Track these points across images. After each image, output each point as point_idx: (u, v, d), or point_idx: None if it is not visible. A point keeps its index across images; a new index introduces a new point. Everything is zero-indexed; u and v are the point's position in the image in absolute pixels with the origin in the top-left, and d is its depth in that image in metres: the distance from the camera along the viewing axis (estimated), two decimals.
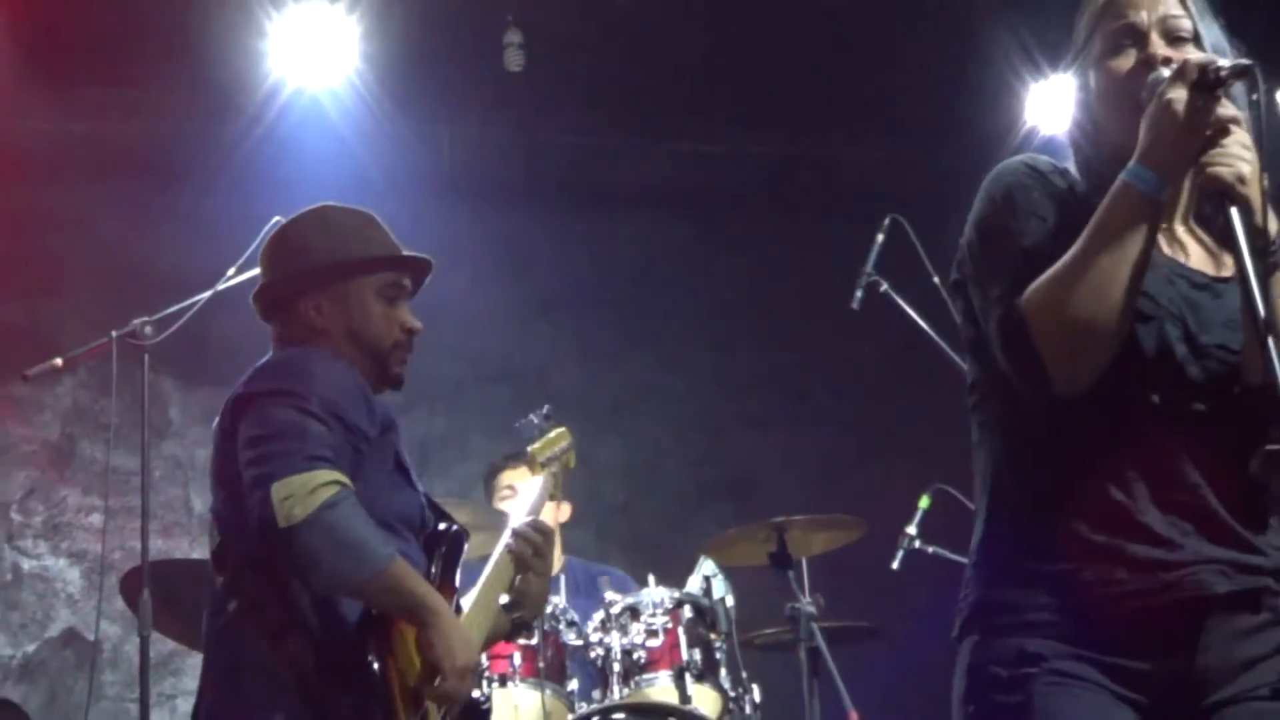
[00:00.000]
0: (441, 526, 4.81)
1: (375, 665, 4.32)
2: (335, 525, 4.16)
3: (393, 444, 4.59)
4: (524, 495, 5.42)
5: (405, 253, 4.88)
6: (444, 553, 4.74)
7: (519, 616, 4.90)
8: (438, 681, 4.34)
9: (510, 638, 5.04)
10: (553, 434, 5.85)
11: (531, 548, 4.93)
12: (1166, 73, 3.31)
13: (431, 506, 4.78)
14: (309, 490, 4.13)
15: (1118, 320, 3.24)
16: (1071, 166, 3.56)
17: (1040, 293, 3.27)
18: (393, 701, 4.31)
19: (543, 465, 5.49)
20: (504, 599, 4.81)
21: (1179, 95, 3.21)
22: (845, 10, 8.86)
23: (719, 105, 9.41)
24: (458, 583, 4.75)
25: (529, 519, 5.05)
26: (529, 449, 5.67)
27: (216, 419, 4.54)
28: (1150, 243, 3.25)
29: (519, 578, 4.91)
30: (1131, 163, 3.25)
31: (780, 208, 9.77)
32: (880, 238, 7.28)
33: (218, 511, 4.49)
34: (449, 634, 4.35)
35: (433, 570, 4.64)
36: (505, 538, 4.98)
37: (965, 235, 3.55)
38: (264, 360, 4.62)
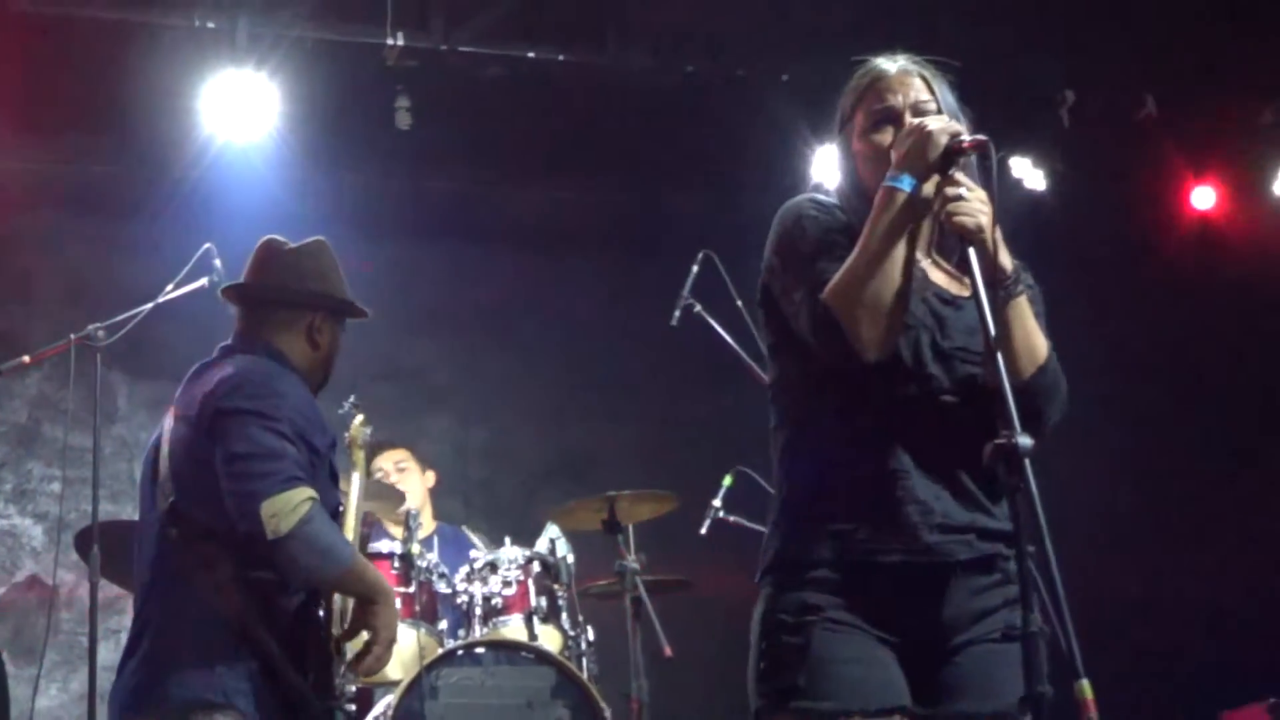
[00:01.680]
0: None
1: (320, 615, 4.58)
2: (312, 535, 4.30)
3: (330, 457, 4.65)
4: (350, 498, 5.42)
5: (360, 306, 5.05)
6: None
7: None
8: (373, 648, 4.50)
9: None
10: (359, 419, 6.00)
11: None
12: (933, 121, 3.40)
13: None
14: (291, 508, 4.26)
15: (900, 292, 3.31)
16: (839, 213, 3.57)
17: (838, 284, 3.32)
18: (329, 648, 4.55)
19: (360, 446, 5.51)
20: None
21: (930, 124, 3.33)
22: (671, 86, 8.93)
23: (571, 160, 9.42)
24: None
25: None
26: (347, 433, 5.71)
27: (175, 409, 4.62)
28: (912, 232, 3.35)
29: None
30: (889, 174, 3.35)
31: (618, 244, 9.83)
32: (695, 269, 7.35)
33: (180, 478, 4.51)
34: (392, 613, 4.52)
35: None
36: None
37: (766, 259, 3.60)
38: (235, 371, 4.60)
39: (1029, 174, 9.94)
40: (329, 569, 4.37)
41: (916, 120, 3.44)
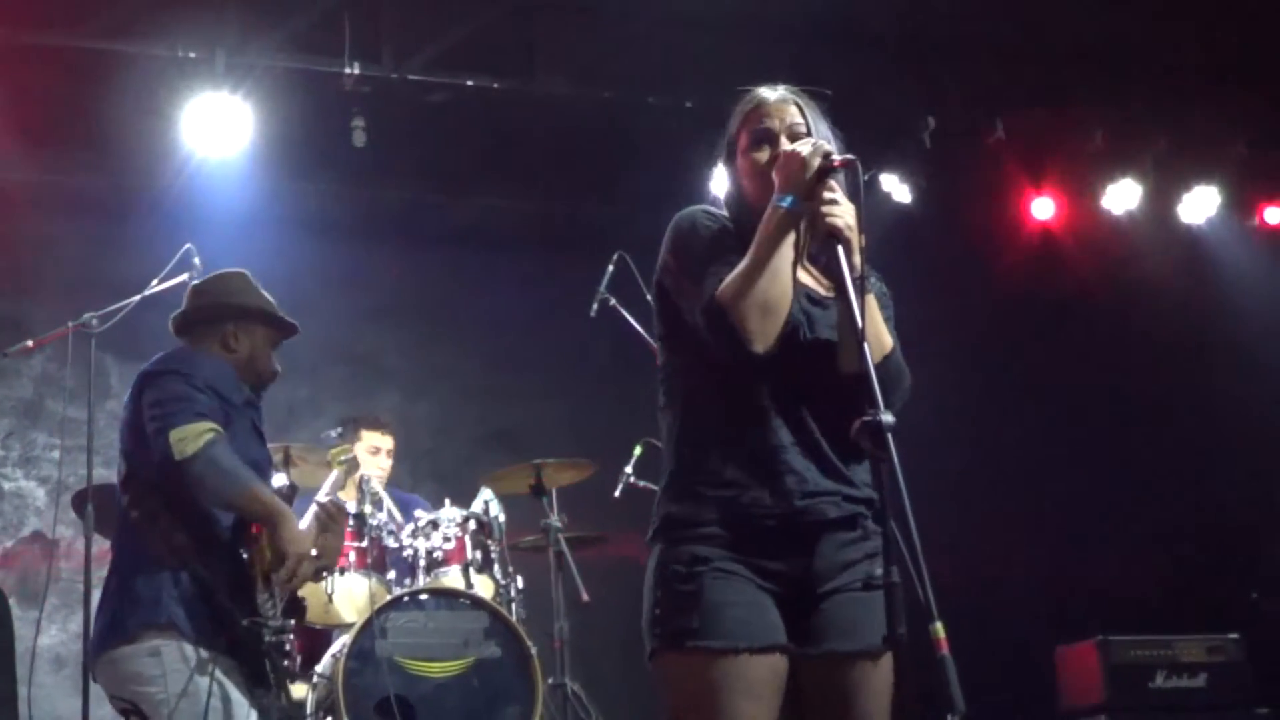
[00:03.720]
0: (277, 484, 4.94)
1: (244, 554, 4.60)
2: (215, 458, 4.41)
3: (251, 415, 4.78)
4: (325, 482, 5.41)
5: (287, 318, 5.08)
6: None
7: (320, 565, 4.78)
8: (285, 563, 4.53)
9: (315, 579, 4.92)
10: (341, 446, 5.89)
11: (327, 514, 4.90)
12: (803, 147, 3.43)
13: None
14: (195, 435, 4.41)
15: (784, 293, 3.34)
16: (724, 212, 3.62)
17: (731, 285, 3.33)
18: (254, 579, 4.57)
19: (340, 464, 5.51)
20: (313, 552, 4.70)
21: (801, 150, 3.37)
22: (591, 111, 8.99)
23: (504, 173, 9.43)
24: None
25: (330, 497, 5.02)
26: (329, 452, 5.75)
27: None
28: (795, 242, 3.38)
29: (320, 535, 4.82)
30: (775, 195, 3.38)
31: (544, 246, 9.86)
32: (610, 268, 7.35)
33: (127, 452, 4.70)
34: (293, 531, 4.56)
35: None
36: (313, 506, 4.96)
37: (661, 259, 3.60)
38: (161, 354, 4.81)
39: (896, 189, 9.99)
40: (229, 489, 4.47)
41: (792, 146, 3.46)
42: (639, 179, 8.64)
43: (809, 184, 3.37)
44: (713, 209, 3.63)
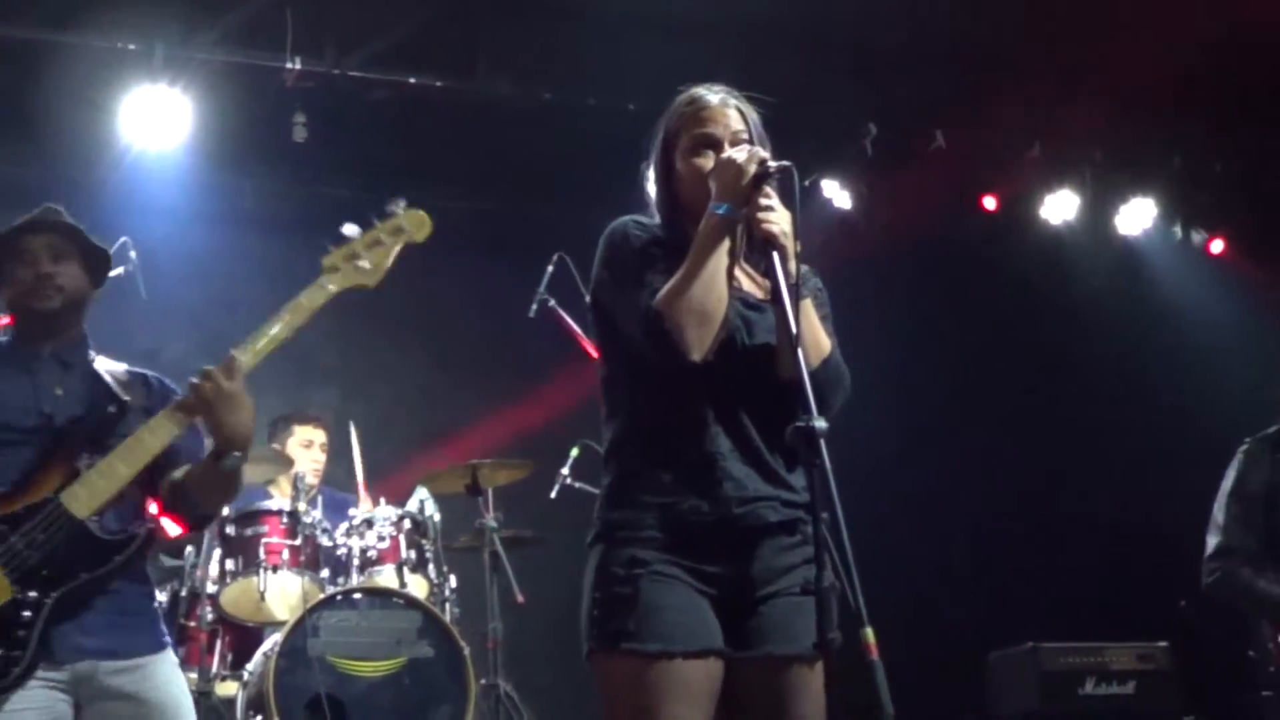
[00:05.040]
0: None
1: None
2: None
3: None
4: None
5: (20, 221, 4.48)
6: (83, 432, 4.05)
7: (232, 457, 3.91)
8: None
9: (225, 470, 3.95)
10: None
11: (214, 381, 3.92)
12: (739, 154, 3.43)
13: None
14: None
15: (721, 300, 3.36)
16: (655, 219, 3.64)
17: (669, 294, 3.34)
18: None
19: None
20: (209, 445, 3.96)
21: (737, 157, 3.38)
22: (533, 111, 9.02)
23: (445, 171, 9.39)
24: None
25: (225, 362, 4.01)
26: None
27: None
28: (732, 250, 3.40)
29: (211, 421, 3.93)
30: (711, 202, 3.39)
31: (484, 246, 9.80)
32: (550, 269, 7.37)
33: None
34: None
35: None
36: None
37: (595, 273, 3.61)
38: None
39: (838, 195, 10.05)
40: None
41: (729, 154, 3.47)
42: (580, 180, 8.65)
43: (745, 191, 3.39)
44: (643, 219, 3.63)
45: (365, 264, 4.37)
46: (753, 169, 3.39)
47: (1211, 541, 5.72)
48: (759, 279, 3.59)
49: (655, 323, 3.36)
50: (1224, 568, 5.65)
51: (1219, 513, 5.73)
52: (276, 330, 4.14)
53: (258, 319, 4.88)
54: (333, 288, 4.28)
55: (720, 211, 3.40)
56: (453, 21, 8.59)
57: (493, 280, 9.45)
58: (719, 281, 3.38)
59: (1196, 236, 10.98)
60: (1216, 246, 10.97)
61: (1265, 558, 5.65)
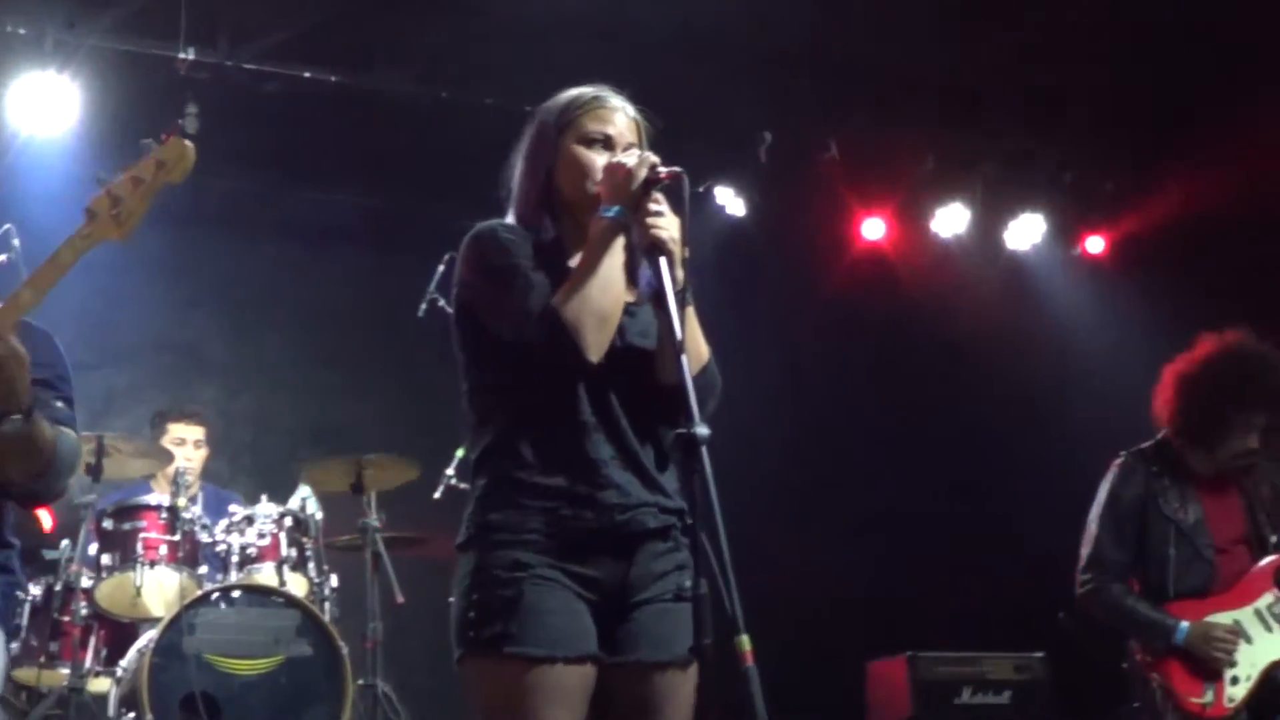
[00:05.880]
0: None
1: None
2: None
3: None
4: None
5: None
6: None
7: (10, 421, 3.72)
8: None
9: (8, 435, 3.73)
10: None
11: None
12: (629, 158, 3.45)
13: None
14: None
15: (618, 303, 3.37)
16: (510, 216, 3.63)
17: (566, 294, 3.34)
18: None
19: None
20: None
21: (627, 162, 3.39)
22: (428, 108, 9.03)
23: (337, 166, 9.38)
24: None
25: None
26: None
27: None
28: (621, 253, 3.40)
29: None
30: (602, 207, 3.40)
31: (375, 242, 9.81)
32: (440, 268, 7.35)
33: None
34: None
35: None
36: None
37: (463, 278, 3.57)
38: None
39: (731, 202, 10.10)
40: None
41: (619, 158, 3.48)
42: (473, 181, 8.60)
43: (634, 196, 3.39)
44: (507, 222, 3.59)
45: (125, 208, 3.98)
46: (643, 173, 3.39)
47: (1084, 553, 5.82)
48: (631, 284, 3.57)
49: (552, 324, 3.34)
50: (1096, 580, 5.74)
51: (1092, 525, 5.83)
52: (26, 297, 3.87)
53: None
54: (83, 243, 3.92)
55: (610, 214, 3.41)
56: (349, 17, 8.53)
57: (383, 278, 9.42)
58: (615, 282, 3.38)
59: (1085, 249, 11.11)
60: (1097, 245, 11.09)
61: (1135, 571, 5.75)
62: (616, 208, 3.40)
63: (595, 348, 3.35)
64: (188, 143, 4.02)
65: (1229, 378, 5.69)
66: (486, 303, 3.51)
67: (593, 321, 3.33)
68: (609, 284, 3.37)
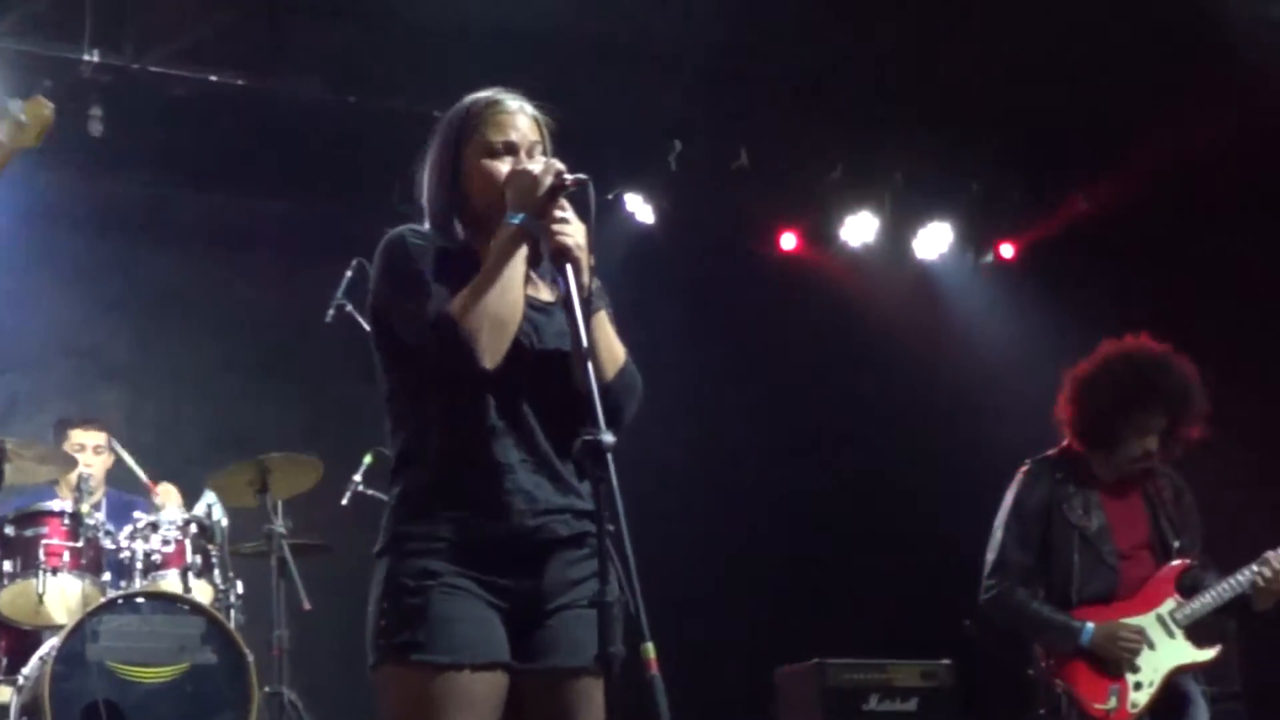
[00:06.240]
0: None
1: None
2: None
3: None
4: None
5: None
6: None
7: None
8: None
9: None
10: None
11: None
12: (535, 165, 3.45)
13: None
14: None
15: (516, 309, 3.36)
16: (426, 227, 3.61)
17: (463, 300, 3.32)
18: None
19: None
20: None
21: (533, 168, 3.40)
22: (337, 113, 9.00)
23: (245, 171, 9.31)
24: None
25: None
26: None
27: None
28: (524, 260, 3.40)
29: None
30: (507, 211, 3.40)
31: (284, 247, 9.74)
32: (349, 274, 7.32)
33: None
34: None
35: None
36: None
37: (376, 284, 3.56)
38: None
39: (640, 210, 10.11)
40: None
41: (525, 164, 3.47)
42: (383, 186, 8.60)
43: (540, 202, 3.39)
44: (418, 227, 3.58)
45: None
46: (548, 180, 3.39)
47: (989, 558, 5.87)
48: (546, 285, 3.59)
49: (448, 329, 3.33)
50: (1000, 586, 5.80)
51: (998, 530, 5.88)
52: None
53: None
54: None
55: (515, 221, 3.40)
56: (257, 20, 8.51)
57: (291, 283, 9.36)
58: (514, 289, 3.37)
59: (992, 258, 11.22)
60: (1007, 251, 11.20)
61: (1039, 576, 5.80)
62: (522, 215, 3.40)
63: (490, 354, 3.33)
64: (48, 103, 4.00)
65: (1126, 380, 5.77)
66: (392, 308, 3.50)
67: (486, 326, 3.32)
68: (507, 291, 3.35)
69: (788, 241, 10.76)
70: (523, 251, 3.40)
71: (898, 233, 10.89)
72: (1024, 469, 5.96)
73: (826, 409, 10.68)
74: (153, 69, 8.39)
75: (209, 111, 8.81)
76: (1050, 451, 5.97)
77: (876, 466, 10.74)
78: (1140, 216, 10.21)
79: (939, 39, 8.93)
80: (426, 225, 3.61)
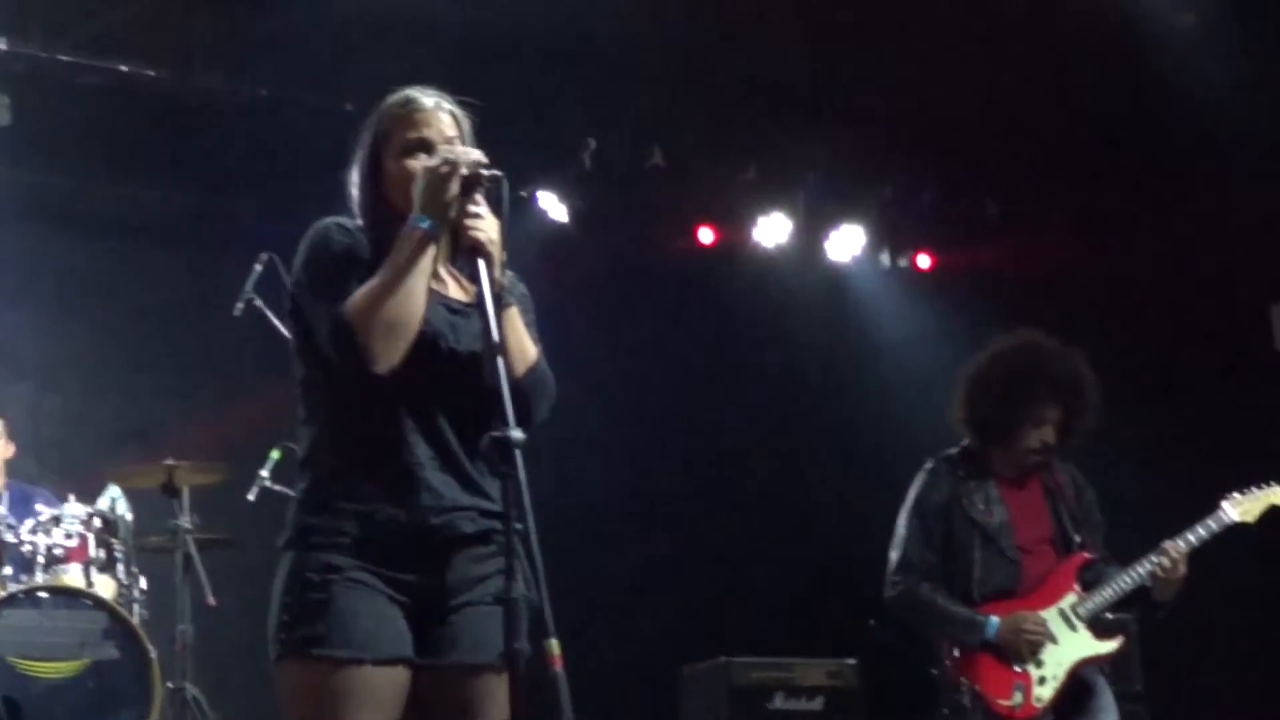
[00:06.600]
0: None
1: None
2: None
3: None
4: None
5: None
6: None
7: None
8: None
9: None
10: None
11: None
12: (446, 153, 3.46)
13: None
14: None
15: (413, 314, 3.34)
16: (358, 222, 3.59)
17: (360, 303, 3.32)
18: None
19: None
20: None
21: (442, 168, 3.39)
22: (247, 106, 8.96)
23: (156, 163, 9.23)
24: None
25: None
26: None
27: None
28: (429, 264, 3.39)
29: None
30: (414, 213, 3.38)
31: (193, 241, 9.68)
32: (258, 268, 7.27)
33: None
34: None
35: None
36: None
37: (295, 274, 3.56)
38: None
39: (555, 208, 10.11)
40: None
41: (431, 163, 3.44)
42: (293, 180, 8.57)
43: (450, 200, 3.37)
44: (347, 221, 3.58)
45: None
46: (455, 187, 3.38)
47: (893, 556, 5.89)
48: (466, 284, 3.57)
49: (344, 332, 3.33)
50: (905, 582, 5.82)
51: (901, 528, 5.91)
52: None
53: None
54: None
55: (422, 225, 3.39)
56: (169, 11, 8.45)
57: (199, 276, 9.30)
58: (415, 295, 3.36)
59: (903, 262, 11.30)
60: (924, 262, 11.29)
61: (942, 573, 5.84)
62: (429, 220, 3.38)
63: (383, 358, 3.33)
64: None
65: (1017, 372, 5.81)
66: (306, 302, 3.51)
67: (381, 332, 3.32)
68: (407, 295, 3.34)
69: (701, 241, 10.77)
70: (428, 256, 3.39)
71: (811, 234, 10.95)
72: (926, 467, 6.00)
73: (736, 409, 10.73)
74: (62, 58, 8.31)
75: (119, 102, 8.72)
76: (952, 449, 6.01)
77: (785, 466, 10.81)
78: (1047, 222, 10.35)
79: (852, 42, 8.98)
80: (358, 220, 3.61)
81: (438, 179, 3.39)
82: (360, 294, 3.35)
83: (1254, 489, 5.88)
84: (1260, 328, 9.98)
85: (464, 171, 3.39)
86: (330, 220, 3.56)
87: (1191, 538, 5.70)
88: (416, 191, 3.43)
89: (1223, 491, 5.85)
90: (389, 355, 3.33)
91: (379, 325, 3.32)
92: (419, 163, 3.52)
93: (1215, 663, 9.42)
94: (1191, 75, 8.55)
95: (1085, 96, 9.24)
